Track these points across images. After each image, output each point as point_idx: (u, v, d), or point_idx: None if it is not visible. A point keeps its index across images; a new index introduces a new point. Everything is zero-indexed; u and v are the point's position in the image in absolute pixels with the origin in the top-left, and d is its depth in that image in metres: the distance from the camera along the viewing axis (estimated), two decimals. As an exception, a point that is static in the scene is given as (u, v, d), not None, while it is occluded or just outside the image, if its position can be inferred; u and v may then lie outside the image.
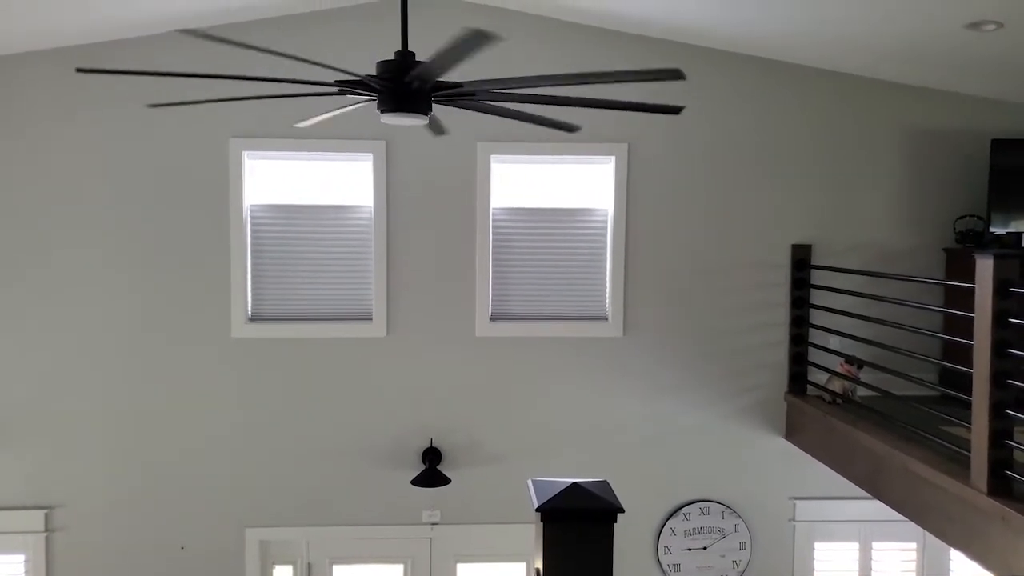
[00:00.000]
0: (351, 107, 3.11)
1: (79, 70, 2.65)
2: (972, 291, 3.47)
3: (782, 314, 5.37)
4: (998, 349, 3.36)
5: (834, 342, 5.13)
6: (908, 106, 5.34)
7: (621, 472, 5.31)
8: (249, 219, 5.15)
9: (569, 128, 3.23)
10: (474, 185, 5.18)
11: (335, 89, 2.88)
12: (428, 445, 5.30)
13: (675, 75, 2.21)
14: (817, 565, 5.55)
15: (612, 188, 5.23)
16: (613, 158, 5.22)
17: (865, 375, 4.85)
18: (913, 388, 4.33)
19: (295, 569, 5.38)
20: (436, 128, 3.42)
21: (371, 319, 5.21)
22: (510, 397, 5.32)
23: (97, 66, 4.90)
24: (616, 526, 2.73)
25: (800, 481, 5.45)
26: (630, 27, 5.05)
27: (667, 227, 5.30)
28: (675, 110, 2.88)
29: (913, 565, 5.58)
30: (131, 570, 5.22)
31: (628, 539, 5.39)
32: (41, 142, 5.00)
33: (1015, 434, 3.39)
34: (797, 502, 5.47)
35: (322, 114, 3.25)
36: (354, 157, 5.16)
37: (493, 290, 5.29)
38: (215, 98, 3.04)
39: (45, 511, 5.16)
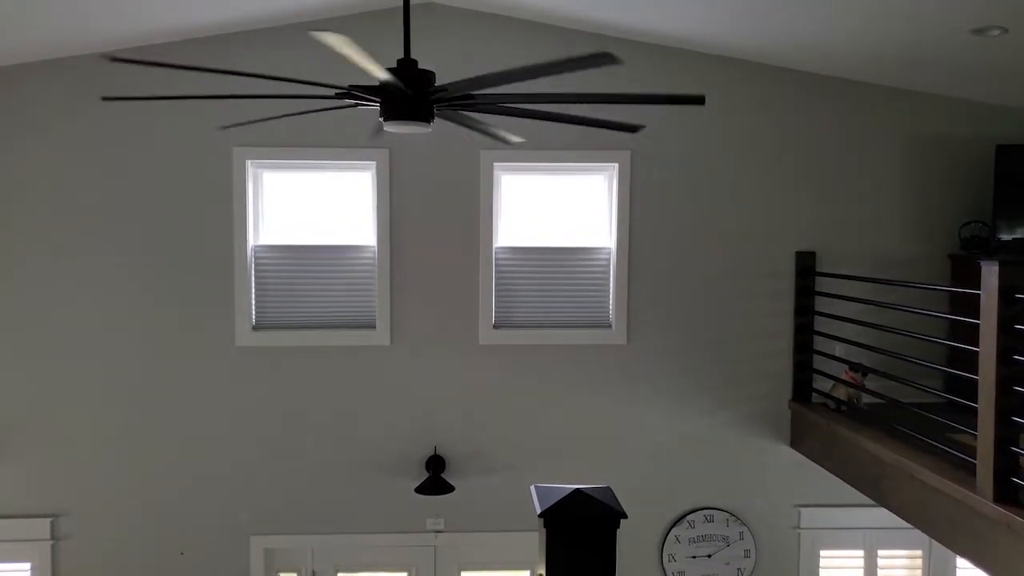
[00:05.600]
0: (335, 108, 3.11)
1: (113, 59, 2.57)
2: (977, 298, 3.47)
3: (786, 321, 5.36)
4: (1004, 356, 3.34)
5: (839, 349, 5.12)
6: (913, 112, 5.34)
7: (625, 480, 5.30)
8: (253, 238, 5.17)
9: (505, 140, 3.24)
10: (478, 192, 5.19)
11: (338, 97, 2.89)
12: (432, 453, 5.29)
13: (698, 100, 2.22)
14: (822, 573, 5.52)
15: (615, 195, 5.23)
16: (616, 165, 5.22)
17: (870, 382, 4.83)
18: (918, 395, 4.31)
19: (299, 577, 5.39)
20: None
21: (375, 327, 5.22)
22: (514, 405, 5.32)
23: (99, 78, 4.94)
24: (620, 534, 2.73)
25: (805, 488, 5.43)
26: (633, 35, 5.06)
27: (670, 234, 5.29)
28: (633, 128, 2.89)
29: (919, 573, 5.56)
30: (135, 578, 5.24)
31: (633, 547, 5.37)
32: (44, 152, 5.02)
33: (1021, 441, 3.38)
34: (802, 509, 5.45)
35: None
36: (357, 166, 5.17)
37: (496, 298, 5.29)
38: (206, 94, 3.01)
39: (51, 519, 5.16)
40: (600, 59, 2.02)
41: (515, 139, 3.27)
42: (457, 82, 2.64)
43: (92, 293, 5.10)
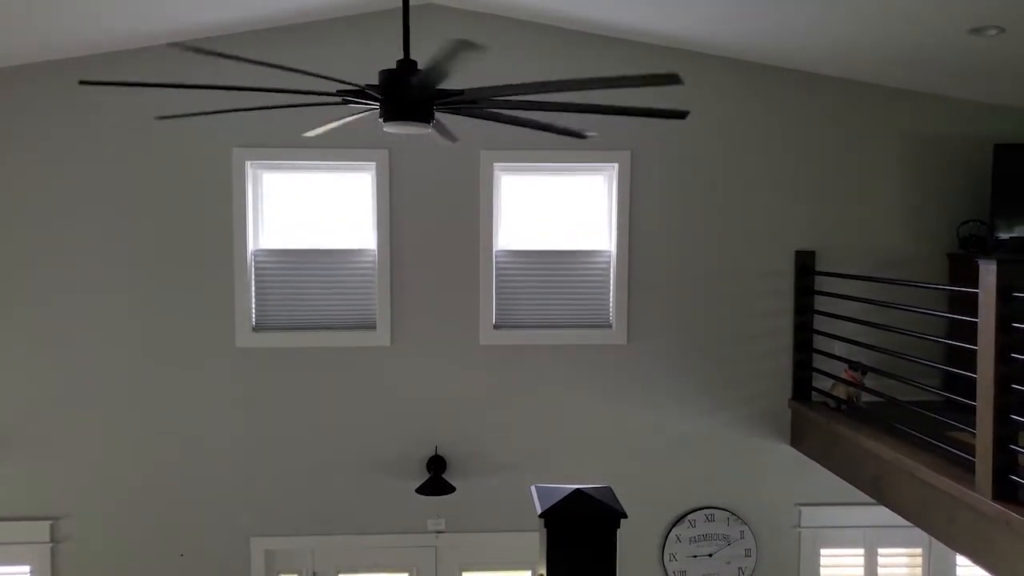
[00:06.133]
0: (357, 116, 3.11)
1: (82, 82, 2.67)
2: (976, 296, 3.47)
3: (786, 320, 5.36)
4: (1002, 354, 3.35)
5: (838, 348, 5.13)
6: (911, 111, 5.35)
7: (626, 479, 5.30)
8: (254, 240, 5.18)
9: (577, 134, 3.23)
10: (478, 193, 5.20)
11: (338, 99, 2.89)
12: (433, 453, 5.30)
13: (672, 80, 2.17)
14: (823, 571, 5.53)
15: (615, 195, 5.24)
16: (616, 165, 5.23)
17: (869, 381, 4.84)
18: (918, 394, 4.32)
19: (300, 578, 5.40)
20: (445, 134, 3.39)
21: (375, 328, 5.22)
22: (514, 405, 5.32)
23: (100, 78, 4.94)
24: (622, 533, 2.73)
25: (805, 487, 5.44)
26: (632, 35, 5.07)
27: (670, 233, 5.30)
28: (681, 114, 2.85)
29: (919, 571, 5.57)
30: (137, 579, 5.24)
31: (634, 546, 5.38)
32: (45, 154, 5.02)
33: (1020, 439, 3.39)
34: (802, 508, 5.46)
35: (328, 123, 3.26)
36: (357, 166, 5.18)
37: (497, 298, 5.29)
38: (218, 109, 3.05)
39: (51, 522, 5.16)
40: (664, 79, 2.01)
41: (582, 132, 3.25)
42: (481, 88, 2.63)
43: (92, 294, 5.10)
